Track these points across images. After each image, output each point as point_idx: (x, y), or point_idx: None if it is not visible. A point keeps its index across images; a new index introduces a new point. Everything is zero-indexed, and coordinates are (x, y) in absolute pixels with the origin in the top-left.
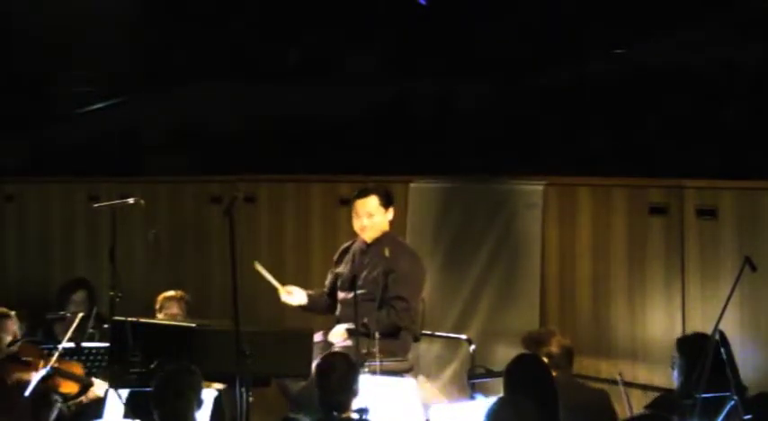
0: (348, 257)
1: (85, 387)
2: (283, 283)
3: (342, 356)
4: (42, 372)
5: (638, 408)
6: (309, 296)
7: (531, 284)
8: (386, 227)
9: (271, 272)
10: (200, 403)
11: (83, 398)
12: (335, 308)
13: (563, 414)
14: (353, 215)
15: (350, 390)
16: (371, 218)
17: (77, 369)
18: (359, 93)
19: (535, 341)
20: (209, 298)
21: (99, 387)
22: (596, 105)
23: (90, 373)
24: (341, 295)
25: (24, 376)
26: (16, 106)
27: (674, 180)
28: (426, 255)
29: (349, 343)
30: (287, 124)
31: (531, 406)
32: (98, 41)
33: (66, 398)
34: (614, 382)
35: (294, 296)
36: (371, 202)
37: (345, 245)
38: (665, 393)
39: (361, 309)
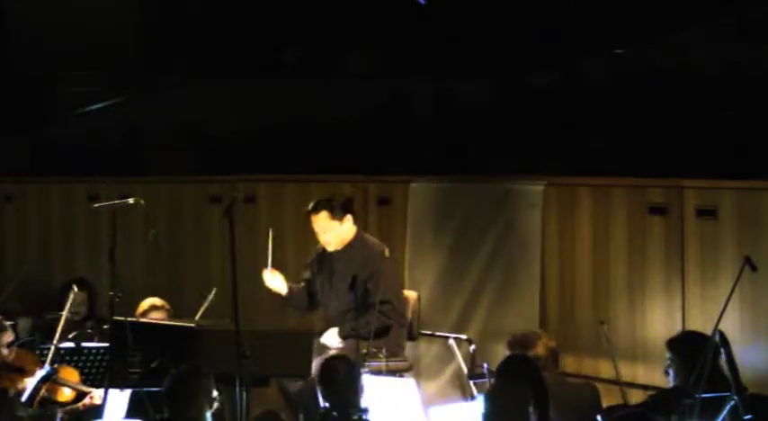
0: (324, 263)
1: (81, 395)
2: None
3: (342, 358)
4: (42, 373)
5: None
6: (290, 288)
7: (531, 284)
8: (349, 234)
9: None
10: (211, 404)
11: (79, 406)
12: (312, 304)
13: (554, 413)
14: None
15: (355, 391)
16: (327, 233)
17: (74, 376)
18: (359, 92)
19: (521, 343)
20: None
21: (97, 394)
22: (596, 105)
23: (88, 379)
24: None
25: (20, 384)
26: (16, 106)
27: (674, 180)
28: (426, 256)
29: (343, 344)
30: (287, 124)
31: (528, 391)
32: (98, 41)
33: (61, 405)
34: (615, 383)
35: (276, 281)
36: (322, 218)
37: (320, 249)
38: (660, 392)
39: (340, 321)
